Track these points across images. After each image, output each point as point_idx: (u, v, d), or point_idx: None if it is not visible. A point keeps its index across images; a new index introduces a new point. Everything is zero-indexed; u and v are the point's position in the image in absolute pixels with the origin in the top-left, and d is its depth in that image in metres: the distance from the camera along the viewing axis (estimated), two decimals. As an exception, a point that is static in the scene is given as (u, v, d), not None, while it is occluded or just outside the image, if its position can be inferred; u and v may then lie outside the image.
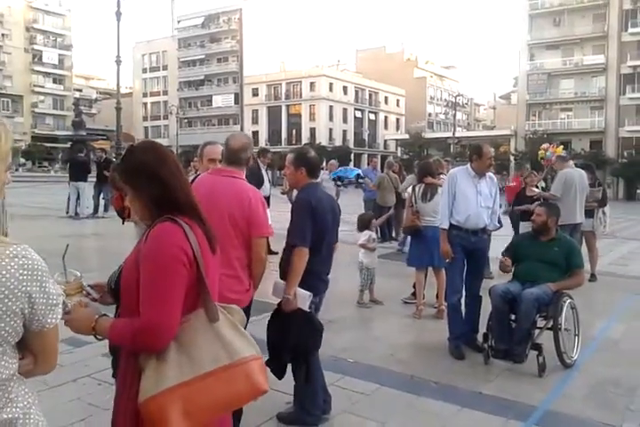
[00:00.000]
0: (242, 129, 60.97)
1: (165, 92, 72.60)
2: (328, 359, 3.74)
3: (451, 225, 4.99)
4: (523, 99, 52.37)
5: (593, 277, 8.12)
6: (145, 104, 74.88)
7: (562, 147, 11.23)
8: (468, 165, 5.08)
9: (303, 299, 3.16)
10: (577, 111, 49.82)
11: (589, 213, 8.38)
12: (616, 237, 14.12)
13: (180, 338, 1.68)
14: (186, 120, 69.67)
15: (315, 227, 3.24)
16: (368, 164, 19.41)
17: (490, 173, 5.16)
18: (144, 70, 74.77)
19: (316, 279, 3.32)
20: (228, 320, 1.77)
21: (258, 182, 7.18)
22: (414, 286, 6.70)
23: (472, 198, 4.95)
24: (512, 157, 47.95)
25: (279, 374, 3.30)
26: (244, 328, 1.83)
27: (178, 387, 1.62)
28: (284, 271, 3.32)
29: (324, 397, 3.49)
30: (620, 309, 6.74)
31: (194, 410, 1.63)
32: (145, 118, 74.81)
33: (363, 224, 6.76)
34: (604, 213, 9.11)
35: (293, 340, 3.20)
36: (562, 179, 7.78)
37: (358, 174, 42.69)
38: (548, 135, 44.69)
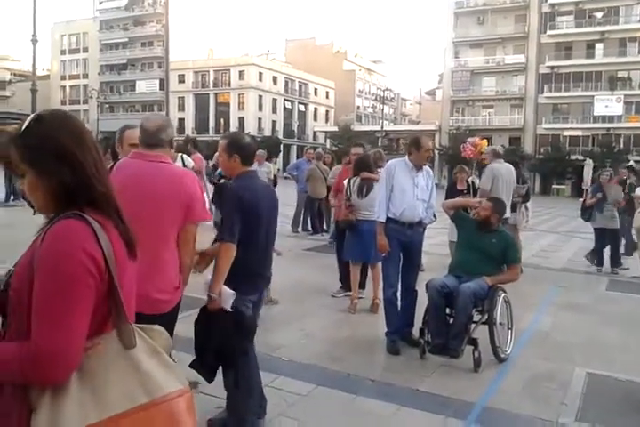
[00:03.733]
0: (167, 115, 59.05)
1: (86, 76, 69.10)
2: (262, 358, 3.53)
3: (387, 218, 4.88)
4: (447, 95, 53.71)
5: (519, 270, 8.31)
6: (63, 87, 71.05)
7: (485, 140, 11.45)
8: (406, 157, 4.97)
9: (226, 298, 2.90)
10: (498, 108, 51.63)
11: (512, 208, 8.56)
12: (535, 231, 14.66)
13: (85, 369, 1.30)
14: (107, 105, 66.65)
15: (245, 219, 2.96)
16: (298, 155, 19.21)
17: (427, 167, 5.09)
18: (63, 52, 70.82)
19: (253, 275, 3.06)
20: (147, 345, 1.38)
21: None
22: (340, 280, 6.60)
23: (409, 191, 4.86)
24: (437, 152, 49.16)
25: (208, 376, 3.04)
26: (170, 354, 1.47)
27: None
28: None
29: (260, 402, 3.27)
30: (545, 301, 6.90)
31: None
32: (63, 102, 70.84)
33: None
34: (526, 208, 9.38)
35: (216, 340, 2.92)
36: (490, 173, 7.87)
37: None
38: (471, 131, 46.10)
